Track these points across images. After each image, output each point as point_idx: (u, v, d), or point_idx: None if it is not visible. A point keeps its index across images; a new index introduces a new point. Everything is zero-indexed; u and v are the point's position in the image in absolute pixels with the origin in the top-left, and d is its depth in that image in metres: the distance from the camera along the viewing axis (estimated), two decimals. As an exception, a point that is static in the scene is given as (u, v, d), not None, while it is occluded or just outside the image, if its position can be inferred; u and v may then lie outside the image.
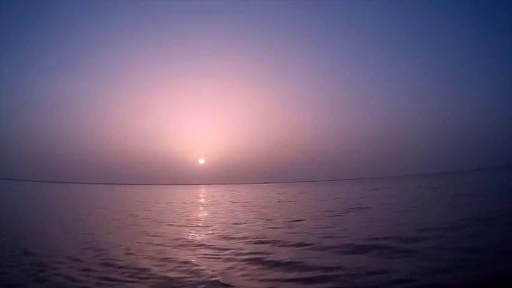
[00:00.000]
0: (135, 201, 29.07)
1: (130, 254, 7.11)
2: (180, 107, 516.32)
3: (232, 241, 8.58)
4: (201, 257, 6.85)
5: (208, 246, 7.91)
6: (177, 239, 9.00)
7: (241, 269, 5.87)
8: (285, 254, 6.70)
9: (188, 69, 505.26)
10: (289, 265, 5.91)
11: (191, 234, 10.10)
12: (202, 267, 5.94)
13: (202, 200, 30.17)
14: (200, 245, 8.12)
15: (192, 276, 5.47)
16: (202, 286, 5.03)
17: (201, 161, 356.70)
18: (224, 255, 6.96)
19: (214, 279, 5.27)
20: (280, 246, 7.69)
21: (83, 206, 22.38)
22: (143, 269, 5.86)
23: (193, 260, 6.51)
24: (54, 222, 13.17)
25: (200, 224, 12.55)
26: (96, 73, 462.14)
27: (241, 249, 7.36)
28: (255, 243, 8.14)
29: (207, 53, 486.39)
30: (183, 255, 7.02)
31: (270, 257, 6.54)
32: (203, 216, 16.07)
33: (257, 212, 16.35)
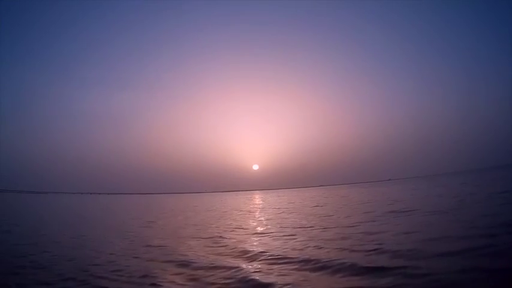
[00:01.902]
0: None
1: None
2: (233, 115, 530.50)
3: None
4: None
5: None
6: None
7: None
8: None
9: (242, 78, 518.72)
10: None
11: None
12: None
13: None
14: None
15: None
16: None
17: (255, 167, 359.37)
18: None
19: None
20: None
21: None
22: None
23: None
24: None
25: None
26: (148, 85, 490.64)
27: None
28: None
29: (261, 61, 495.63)
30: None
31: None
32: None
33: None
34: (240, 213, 21.81)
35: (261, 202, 38.44)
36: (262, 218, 16.93)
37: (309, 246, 8.09)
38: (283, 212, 19.99)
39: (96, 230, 14.47)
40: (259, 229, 12.41)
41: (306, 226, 12.09)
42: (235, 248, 8.68)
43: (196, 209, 28.39)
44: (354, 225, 11.28)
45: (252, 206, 29.28)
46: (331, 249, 7.46)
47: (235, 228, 13.19)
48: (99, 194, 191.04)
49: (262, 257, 7.32)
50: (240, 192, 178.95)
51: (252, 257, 7.44)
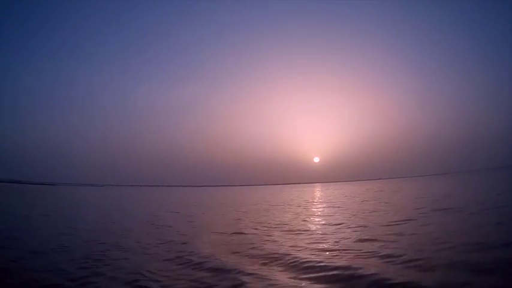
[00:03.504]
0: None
1: None
2: (295, 109, 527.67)
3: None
4: None
5: None
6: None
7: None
8: None
9: (303, 72, 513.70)
10: None
11: None
12: None
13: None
14: None
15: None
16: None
17: (316, 160, 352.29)
18: None
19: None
20: None
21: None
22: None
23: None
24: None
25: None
26: (210, 79, 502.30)
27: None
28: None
29: (322, 53, 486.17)
30: None
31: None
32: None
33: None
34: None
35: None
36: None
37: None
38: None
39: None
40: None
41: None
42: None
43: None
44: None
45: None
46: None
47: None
48: (159, 186, 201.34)
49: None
50: (302, 184, 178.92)
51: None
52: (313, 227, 11.37)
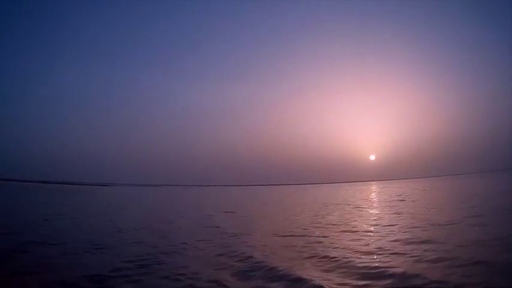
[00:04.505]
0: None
1: None
2: (349, 107, 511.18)
3: None
4: None
5: None
6: None
7: None
8: None
9: (359, 69, 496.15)
10: None
11: None
12: None
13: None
14: None
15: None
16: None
17: (372, 157, 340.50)
18: None
19: None
20: None
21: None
22: None
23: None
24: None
25: None
26: (262, 78, 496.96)
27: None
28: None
29: (378, 53, 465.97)
30: None
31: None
32: None
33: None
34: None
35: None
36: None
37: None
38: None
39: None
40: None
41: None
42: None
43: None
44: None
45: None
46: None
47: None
48: (214, 186, 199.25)
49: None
50: (358, 183, 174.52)
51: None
52: (326, 233, 10.75)
